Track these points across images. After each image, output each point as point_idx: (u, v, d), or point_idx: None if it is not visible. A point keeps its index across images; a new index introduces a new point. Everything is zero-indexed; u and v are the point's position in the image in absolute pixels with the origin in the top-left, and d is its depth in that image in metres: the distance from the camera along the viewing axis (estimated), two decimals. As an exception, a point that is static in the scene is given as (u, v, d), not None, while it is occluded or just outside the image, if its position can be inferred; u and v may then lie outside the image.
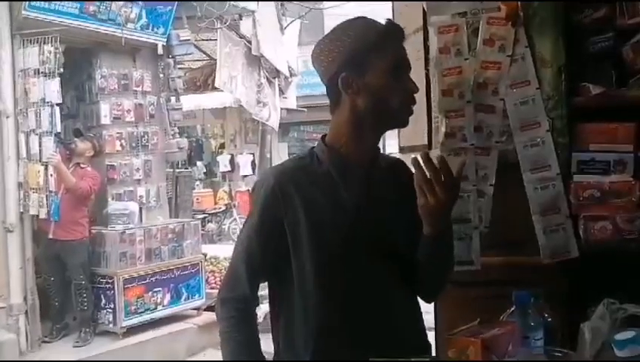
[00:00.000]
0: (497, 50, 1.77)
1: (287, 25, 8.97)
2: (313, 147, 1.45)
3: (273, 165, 1.47)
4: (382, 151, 1.53)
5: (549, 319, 1.53)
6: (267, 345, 1.45)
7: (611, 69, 1.75)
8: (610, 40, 1.74)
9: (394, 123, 1.42)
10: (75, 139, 5.57)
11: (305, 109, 10.87)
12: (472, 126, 1.79)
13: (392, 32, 1.37)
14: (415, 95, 1.40)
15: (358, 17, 1.42)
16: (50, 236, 5.27)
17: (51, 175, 5.05)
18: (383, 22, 1.39)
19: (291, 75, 9.03)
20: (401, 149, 2.52)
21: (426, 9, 1.87)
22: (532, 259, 1.77)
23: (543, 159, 1.73)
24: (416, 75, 2.05)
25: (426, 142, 2.03)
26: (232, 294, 1.38)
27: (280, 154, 12.50)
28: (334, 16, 13.02)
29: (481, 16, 1.78)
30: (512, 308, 1.51)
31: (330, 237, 1.32)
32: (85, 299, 5.34)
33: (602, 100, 1.72)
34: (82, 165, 5.47)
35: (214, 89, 7.98)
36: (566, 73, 1.75)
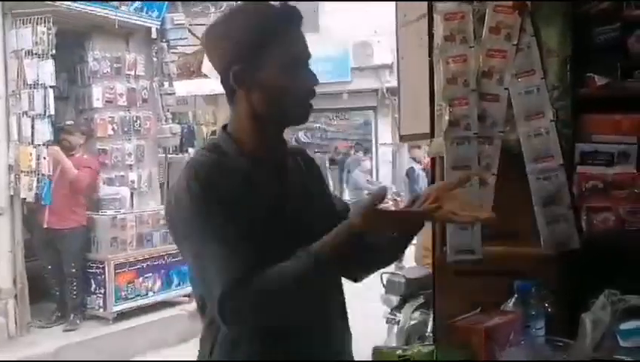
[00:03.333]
0: (503, 39, 1.75)
1: (282, 12, 8.89)
2: (213, 140, 1.32)
3: (182, 171, 1.23)
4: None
5: (550, 309, 1.54)
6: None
7: (617, 60, 1.74)
8: (616, 31, 1.74)
9: (292, 120, 1.29)
10: (64, 135, 5.39)
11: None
12: (476, 115, 1.77)
13: (288, 19, 1.24)
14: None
15: (250, 2, 1.33)
16: (45, 225, 5.21)
17: (44, 158, 4.99)
18: (278, 5, 1.27)
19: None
20: (402, 138, 2.51)
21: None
22: (533, 250, 1.77)
23: (546, 149, 1.73)
24: (420, 62, 2.05)
25: (427, 131, 2.02)
26: (240, 275, 1.13)
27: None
28: (328, 4, 13.02)
29: (488, 3, 1.76)
30: (514, 298, 1.51)
31: (262, 233, 1.18)
32: (75, 288, 5.31)
33: (607, 91, 1.71)
34: (77, 155, 5.41)
35: (207, 75, 7.91)
36: (571, 63, 1.74)
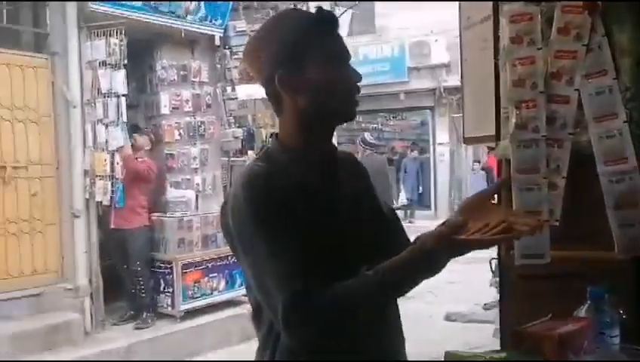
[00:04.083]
0: (572, 39, 1.71)
1: (340, 14, 8.96)
2: (266, 149, 1.34)
3: (237, 181, 1.25)
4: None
5: (624, 316, 1.49)
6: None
7: (695, 58, 1.67)
8: (695, 27, 1.67)
9: (341, 118, 1.32)
10: (134, 134, 5.74)
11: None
12: (545, 117, 1.74)
13: (324, 22, 1.27)
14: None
15: (288, 10, 1.36)
16: (112, 226, 5.49)
17: (117, 163, 5.25)
18: (313, 11, 1.30)
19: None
20: (466, 140, 2.50)
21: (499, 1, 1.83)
22: (605, 254, 1.72)
23: (619, 151, 1.67)
24: (484, 64, 2.04)
25: (492, 133, 2.00)
26: (301, 286, 1.12)
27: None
28: (386, 6, 12.95)
29: (556, 4, 1.73)
30: (586, 304, 1.48)
31: (317, 238, 1.18)
32: (142, 287, 5.53)
33: (685, 90, 1.64)
34: (140, 159, 5.65)
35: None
36: (646, 63, 1.68)
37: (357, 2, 9.53)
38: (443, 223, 1.19)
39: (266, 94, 1.30)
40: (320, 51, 1.25)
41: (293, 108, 1.27)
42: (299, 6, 7.33)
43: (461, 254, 1.15)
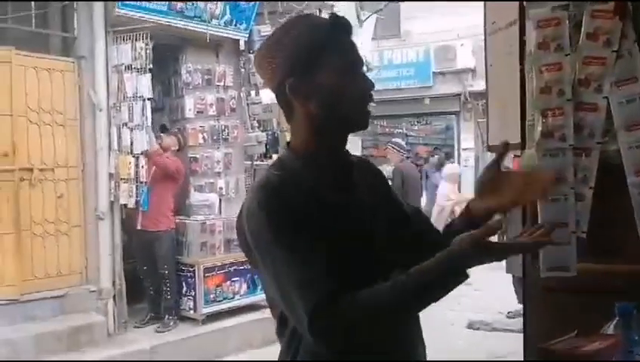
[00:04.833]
0: (602, 45, 1.66)
1: (366, 19, 8.93)
2: (280, 157, 1.33)
3: (253, 191, 1.25)
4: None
5: (655, 333, 1.43)
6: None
7: None
8: None
9: (352, 126, 1.30)
10: (161, 134, 5.80)
11: (374, 103, 10.80)
12: (572, 125, 1.69)
13: (338, 28, 1.25)
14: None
15: (300, 16, 1.33)
16: (139, 227, 5.53)
17: (142, 166, 5.30)
18: (327, 17, 1.29)
19: (367, 68, 8.98)
20: (490, 148, 2.44)
21: (525, 2, 1.79)
22: (634, 268, 1.66)
23: (650, 161, 1.62)
24: (510, 70, 1.99)
25: (518, 141, 1.95)
26: (327, 299, 1.10)
27: (352, 147, 12.49)
28: (411, 10, 12.88)
29: (585, 8, 1.68)
30: (614, 321, 1.43)
31: (335, 246, 1.16)
32: (169, 289, 5.55)
33: None
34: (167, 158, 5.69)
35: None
36: (679, 69, 1.62)
37: (382, 7, 9.48)
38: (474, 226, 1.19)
39: (277, 100, 1.29)
40: (333, 59, 1.22)
41: (305, 116, 1.25)
42: (322, 9, 7.33)
43: (496, 260, 1.13)
